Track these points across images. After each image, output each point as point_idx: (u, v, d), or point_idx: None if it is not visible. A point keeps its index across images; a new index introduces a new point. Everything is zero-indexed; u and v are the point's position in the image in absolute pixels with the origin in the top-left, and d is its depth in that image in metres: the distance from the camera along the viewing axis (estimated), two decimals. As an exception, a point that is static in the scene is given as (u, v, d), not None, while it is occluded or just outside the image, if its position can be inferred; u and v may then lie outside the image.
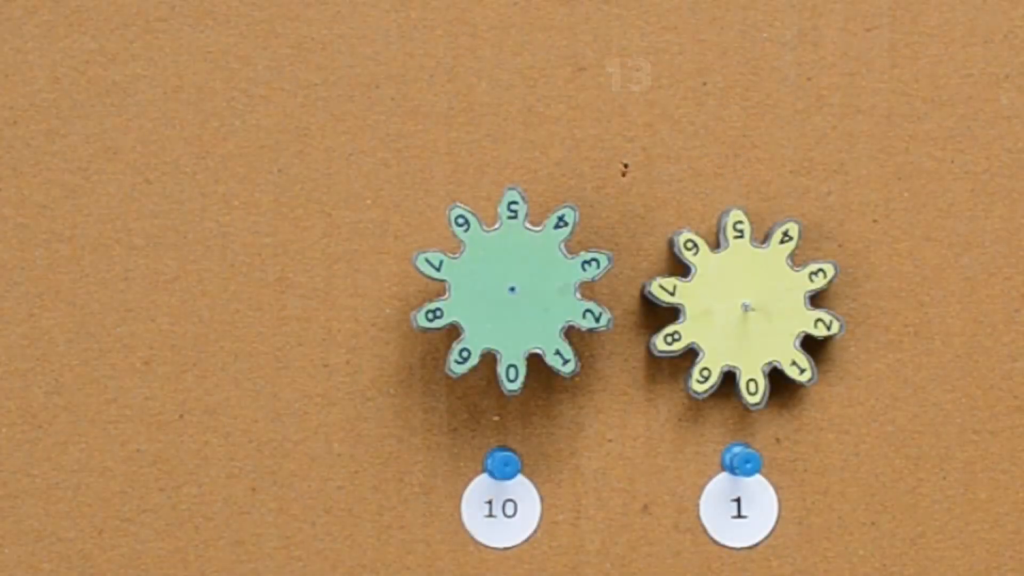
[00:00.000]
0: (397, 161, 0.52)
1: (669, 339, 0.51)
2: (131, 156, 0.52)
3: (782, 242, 0.51)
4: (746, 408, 0.52)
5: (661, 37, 0.52)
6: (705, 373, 0.51)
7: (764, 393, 0.51)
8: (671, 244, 0.52)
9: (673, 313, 0.52)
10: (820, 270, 0.51)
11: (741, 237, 0.51)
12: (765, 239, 0.52)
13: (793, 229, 0.51)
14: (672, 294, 0.51)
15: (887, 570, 0.53)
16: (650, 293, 0.51)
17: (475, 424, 0.53)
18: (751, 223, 0.52)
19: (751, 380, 0.51)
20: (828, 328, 0.51)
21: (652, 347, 0.51)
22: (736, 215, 0.51)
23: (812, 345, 0.52)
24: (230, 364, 0.52)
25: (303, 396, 0.52)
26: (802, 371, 0.51)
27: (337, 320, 0.52)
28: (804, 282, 0.51)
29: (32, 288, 0.52)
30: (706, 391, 0.51)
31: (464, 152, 0.52)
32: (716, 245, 0.52)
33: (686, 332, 0.51)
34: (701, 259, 0.51)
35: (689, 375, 0.51)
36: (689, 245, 0.51)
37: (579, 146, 0.52)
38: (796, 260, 0.52)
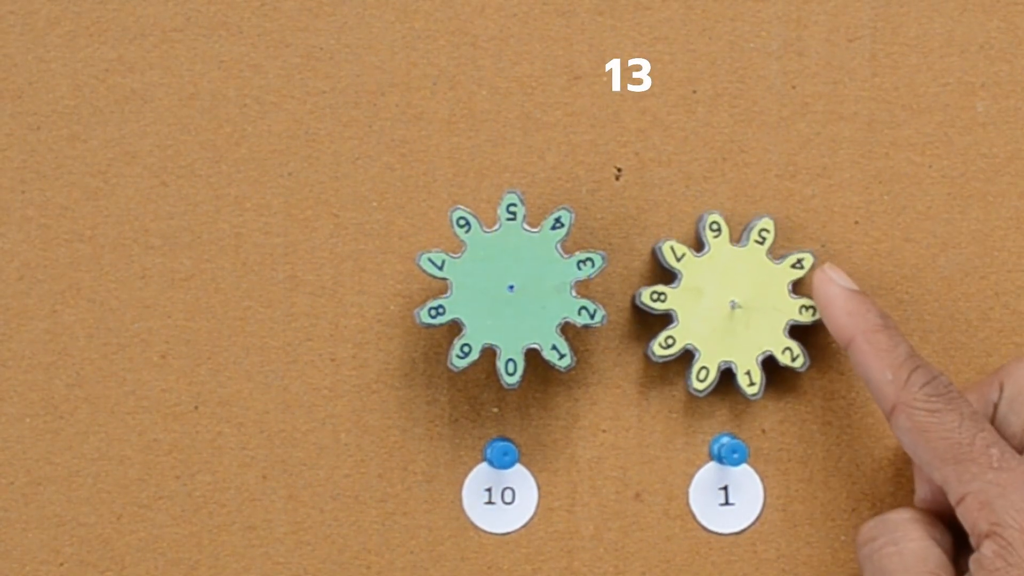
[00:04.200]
0: (401, 165, 0.53)
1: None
2: (148, 160, 0.52)
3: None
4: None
5: (653, 47, 0.53)
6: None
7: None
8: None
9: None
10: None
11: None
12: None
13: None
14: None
15: (867, 555, 0.54)
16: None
17: (475, 416, 0.53)
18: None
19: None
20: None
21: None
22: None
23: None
24: (242, 358, 0.53)
25: (312, 389, 0.53)
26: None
27: (344, 316, 0.53)
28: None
29: (55, 286, 0.52)
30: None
31: (465, 157, 0.53)
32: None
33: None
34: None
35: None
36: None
37: (575, 151, 0.53)
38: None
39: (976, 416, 0.47)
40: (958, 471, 0.46)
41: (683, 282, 0.52)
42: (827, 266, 0.51)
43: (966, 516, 0.45)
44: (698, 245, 0.53)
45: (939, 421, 0.46)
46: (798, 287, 0.53)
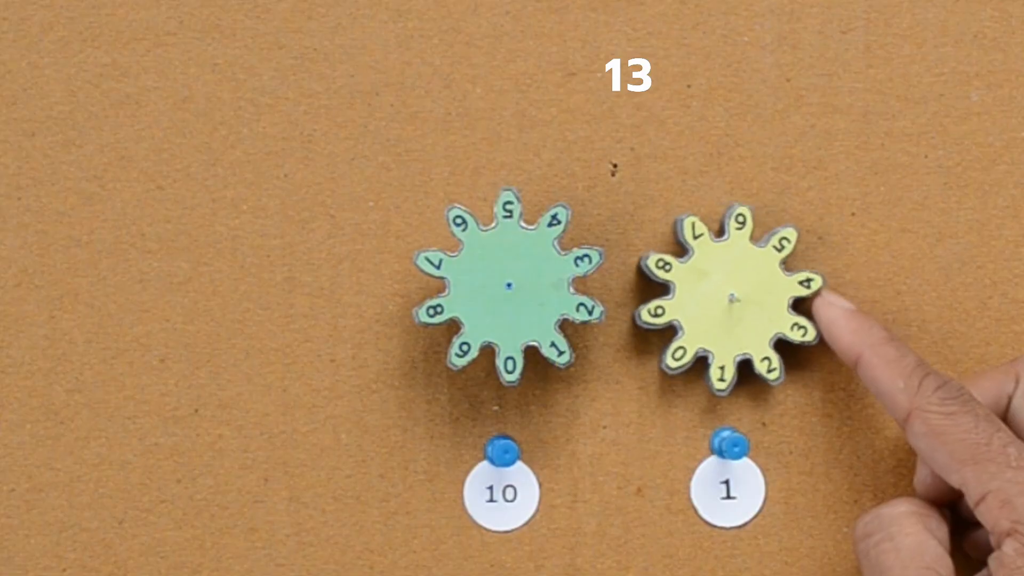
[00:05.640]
0: (397, 165, 0.53)
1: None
2: (144, 164, 0.52)
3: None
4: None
5: (646, 42, 0.53)
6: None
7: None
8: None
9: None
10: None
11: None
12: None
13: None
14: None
15: (869, 546, 0.54)
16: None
17: (475, 414, 0.53)
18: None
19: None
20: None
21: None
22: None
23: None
24: (242, 361, 0.53)
25: (311, 390, 0.53)
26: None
27: (343, 317, 0.53)
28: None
29: (52, 291, 0.52)
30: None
31: (461, 155, 0.53)
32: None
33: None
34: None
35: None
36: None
37: (570, 148, 0.53)
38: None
39: (991, 417, 0.47)
40: (977, 471, 0.46)
41: (692, 260, 0.52)
42: (825, 291, 0.52)
43: (986, 515, 0.46)
44: (719, 232, 0.53)
45: (955, 423, 0.47)
46: (799, 305, 0.53)
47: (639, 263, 0.53)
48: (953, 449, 0.46)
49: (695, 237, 0.52)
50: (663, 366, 0.52)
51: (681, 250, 0.52)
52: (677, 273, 0.52)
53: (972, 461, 0.46)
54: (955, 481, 0.47)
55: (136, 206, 0.52)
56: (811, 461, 0.54)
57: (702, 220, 0.52)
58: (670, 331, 0.52)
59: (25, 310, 0.52)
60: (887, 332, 0.50)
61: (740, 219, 0.52)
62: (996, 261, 0.54)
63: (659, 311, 0.52)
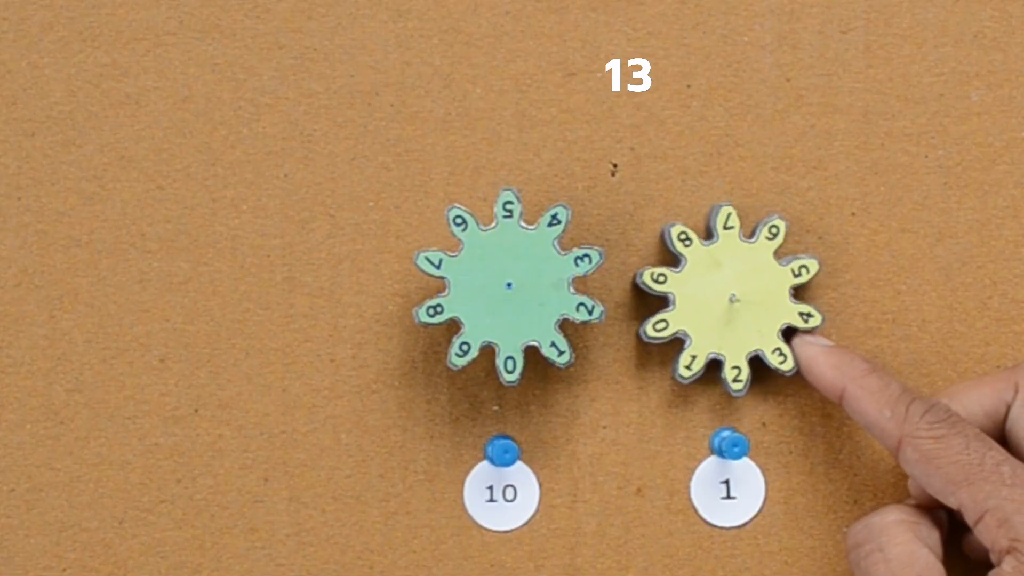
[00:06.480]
0: (397, 165, 0.53)
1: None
2: (144, 164, 0.52)
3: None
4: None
5: (646, 42, 0.53)
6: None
7: (747, 381, 0.52)
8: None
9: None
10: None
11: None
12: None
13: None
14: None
15: (869, 546, 0.54)
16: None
17: (475, 414, 0.54)
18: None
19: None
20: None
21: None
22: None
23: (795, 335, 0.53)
24: (242, 360, 0.53)
25: (311, 390, 0.53)
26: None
27: (343, 317, 0.53)
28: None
29: (52, 291, 0.52)
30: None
31: (461, 155, 0.53)
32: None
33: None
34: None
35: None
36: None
37: (570, 148, 0.53)
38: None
39: (981, 436, 0.47)
40: (972, 492, 0.46)
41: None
42: (802, 335, 0.52)
43: (985, 534, 0.46)
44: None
45: (946, 446, 0.47)
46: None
47: (661, 232, 0.53)
48: (947, 472, 0.47)
49: (725, 227, 0.52)
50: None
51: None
52: (694, 251, 0.52)
53: (967, 482, 0.46)
54: (952, 503, 0.47)
55: (136, 206, 0.53)
56: (811, 461, 0.54)
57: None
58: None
59: (25, 310, 0.53)
60: (868, 364, 0.50)
61: (773, 230, 0.52)
62: (996, 261, 0.54)
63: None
